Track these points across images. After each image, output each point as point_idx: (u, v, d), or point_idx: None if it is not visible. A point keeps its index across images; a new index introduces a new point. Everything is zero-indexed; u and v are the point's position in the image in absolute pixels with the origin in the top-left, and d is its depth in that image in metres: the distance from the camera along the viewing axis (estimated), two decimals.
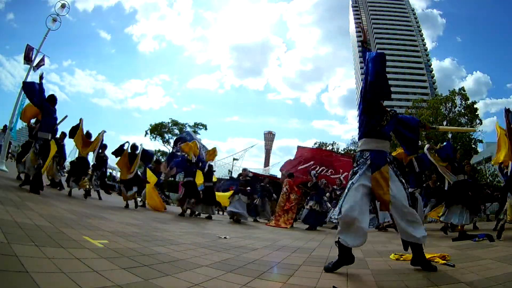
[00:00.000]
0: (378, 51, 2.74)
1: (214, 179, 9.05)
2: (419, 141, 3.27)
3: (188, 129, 36.69)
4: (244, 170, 9.42)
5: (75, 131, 7.02)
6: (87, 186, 7.18)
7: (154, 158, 10.86)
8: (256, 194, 9.35)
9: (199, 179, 7.93)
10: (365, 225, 2.35)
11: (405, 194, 2.43)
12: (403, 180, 2.53)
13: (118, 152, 7.42)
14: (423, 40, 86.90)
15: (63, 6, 9.92)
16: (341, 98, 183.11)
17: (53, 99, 5.66)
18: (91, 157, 7.45)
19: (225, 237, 4.33)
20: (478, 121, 24.45)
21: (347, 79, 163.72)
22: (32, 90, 5.43)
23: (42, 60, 9.87)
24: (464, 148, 23.31)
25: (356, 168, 2.57)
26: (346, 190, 2.53)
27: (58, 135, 6.98)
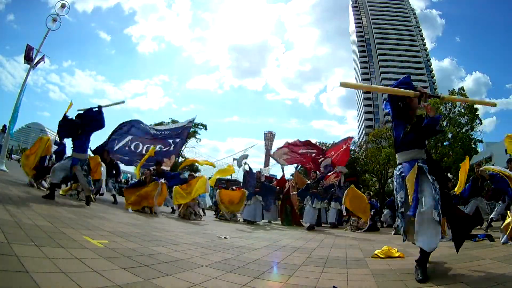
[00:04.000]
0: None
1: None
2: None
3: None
4: (259, 172, 9.63)
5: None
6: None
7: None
8: (273, 196, 9.42)
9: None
10: None
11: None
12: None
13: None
14: (423, 40, 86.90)
15: (63, 6, 9.91)
16: (340, 99, 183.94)
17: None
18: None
19: (225, 237, 4.33)
20: (478, 121, 24.45)
21: (346, 79, 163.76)
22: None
23: (42, 58, 9.86)
24: (464, 148, 23.30)
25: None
26: None
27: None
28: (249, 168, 8.95)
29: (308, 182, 8.83)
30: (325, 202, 8.55)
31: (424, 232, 2.28)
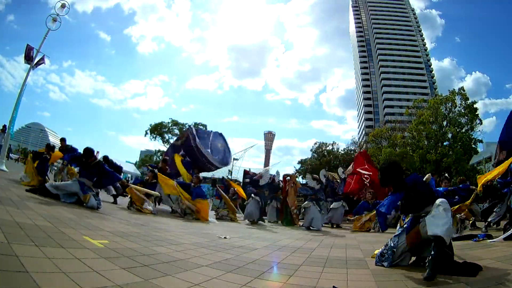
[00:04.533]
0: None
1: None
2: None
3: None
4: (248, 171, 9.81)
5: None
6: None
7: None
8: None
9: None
10: None
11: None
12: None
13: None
14: (423, 40, 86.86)
15: (63, 6, 9.92)
16: (340, 99, 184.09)
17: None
18: None
19: (225, 237, 4.33)
20: (478, 121, 24.46)
21: (345, 80, 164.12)
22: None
23: (42, 59, 9.87)
24: (464, 148, 23.30)
25: None
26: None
27: None
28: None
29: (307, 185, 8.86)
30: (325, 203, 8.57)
31: (437, 222, 2.33)
